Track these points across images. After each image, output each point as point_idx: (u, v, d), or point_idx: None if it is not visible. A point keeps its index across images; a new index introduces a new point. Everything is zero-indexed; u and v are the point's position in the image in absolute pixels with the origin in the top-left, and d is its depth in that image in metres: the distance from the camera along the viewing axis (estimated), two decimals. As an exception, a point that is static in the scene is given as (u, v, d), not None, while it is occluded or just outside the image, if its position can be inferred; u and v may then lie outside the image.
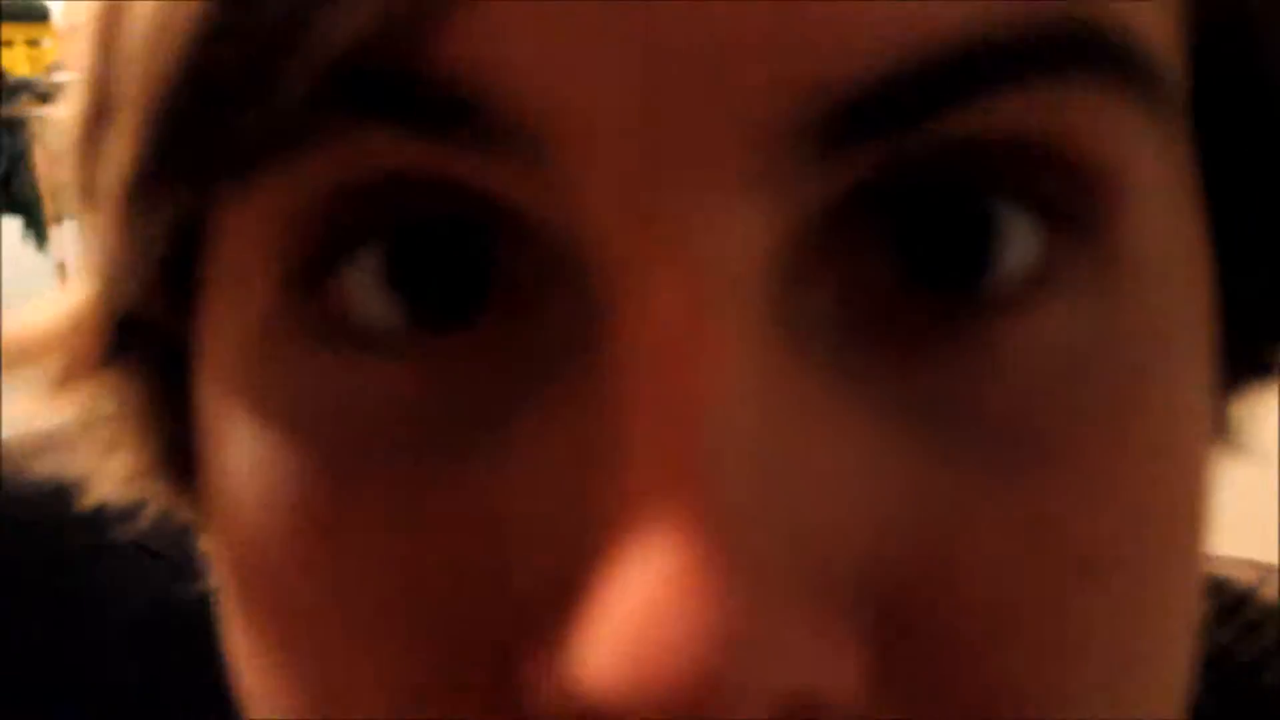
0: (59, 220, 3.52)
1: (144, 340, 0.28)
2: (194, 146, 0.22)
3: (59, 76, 0.27)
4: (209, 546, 0.26)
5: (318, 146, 0.21)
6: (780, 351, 0.21)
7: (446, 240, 0.22)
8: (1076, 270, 0.22)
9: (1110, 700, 0.22)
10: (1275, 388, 0.29)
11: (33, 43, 3.89)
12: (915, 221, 0.21)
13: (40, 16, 3.89)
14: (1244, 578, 0.42)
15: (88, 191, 0.25)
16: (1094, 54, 0.21)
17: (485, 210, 0.21)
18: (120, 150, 0.23)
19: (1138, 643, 0.22)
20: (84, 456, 0.31)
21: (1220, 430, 0.28)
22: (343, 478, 0.22)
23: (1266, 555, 0.45)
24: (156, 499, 0.31)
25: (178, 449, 0.29)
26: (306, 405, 0.23)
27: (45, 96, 0.29)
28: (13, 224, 3.76)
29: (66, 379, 0.29)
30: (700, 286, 0.20)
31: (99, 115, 0.24)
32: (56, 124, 0.26)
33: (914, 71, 0.20)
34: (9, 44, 3.81)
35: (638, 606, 0.19)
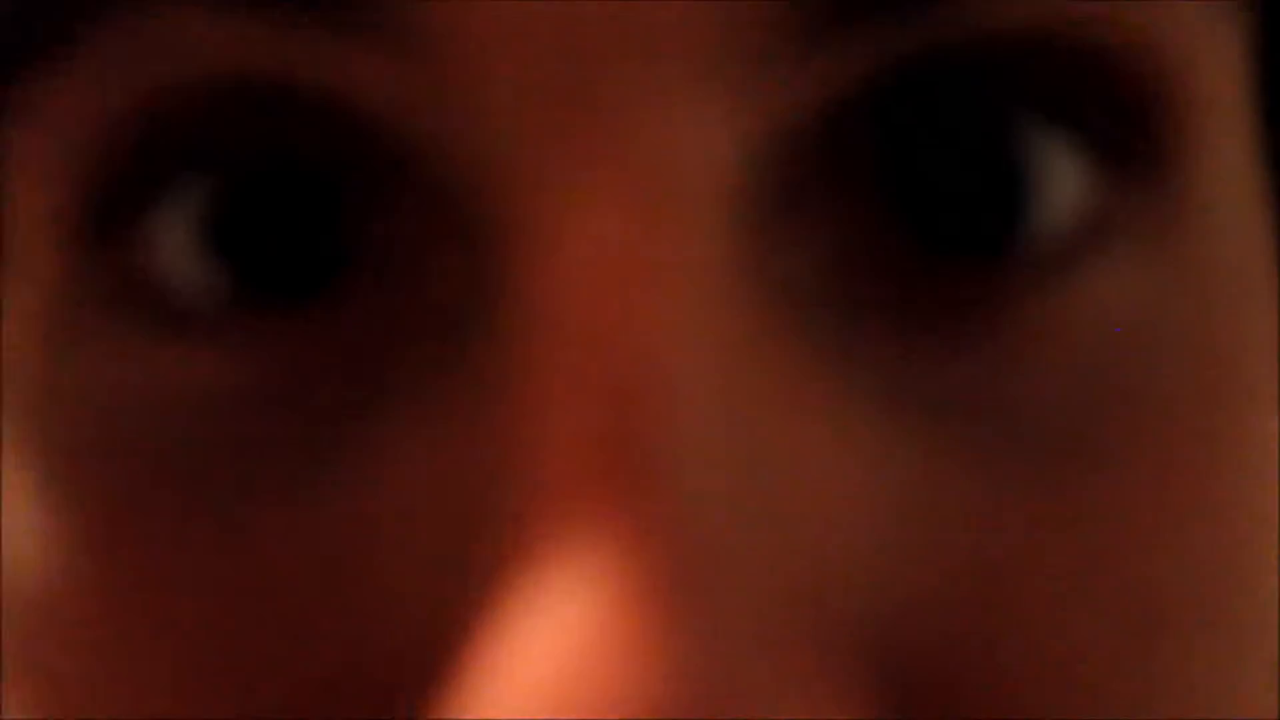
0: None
1: None
2: None
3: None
4: None
5: (116, 28, 0.16)
6: (753, 311, 0.16)
7: (288, 184, 0.17)
8: (1134, 219, 0.17)
9: None
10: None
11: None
12: (928, 159, 0.17)
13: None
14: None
15: None
16: None
17: (344, 132, 0.16)
18: None
19: (1219, 706, 0.17)
20: None
21: None
22: (151, 506, 0.17)
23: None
24: None
25: None
26: (103, 409, 0.17)
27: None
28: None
29: None
30: (644, 215, 0.15)
31: None
32: None
33: None
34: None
35: (552, 658, 0.14)
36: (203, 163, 0.17)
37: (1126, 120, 0.17)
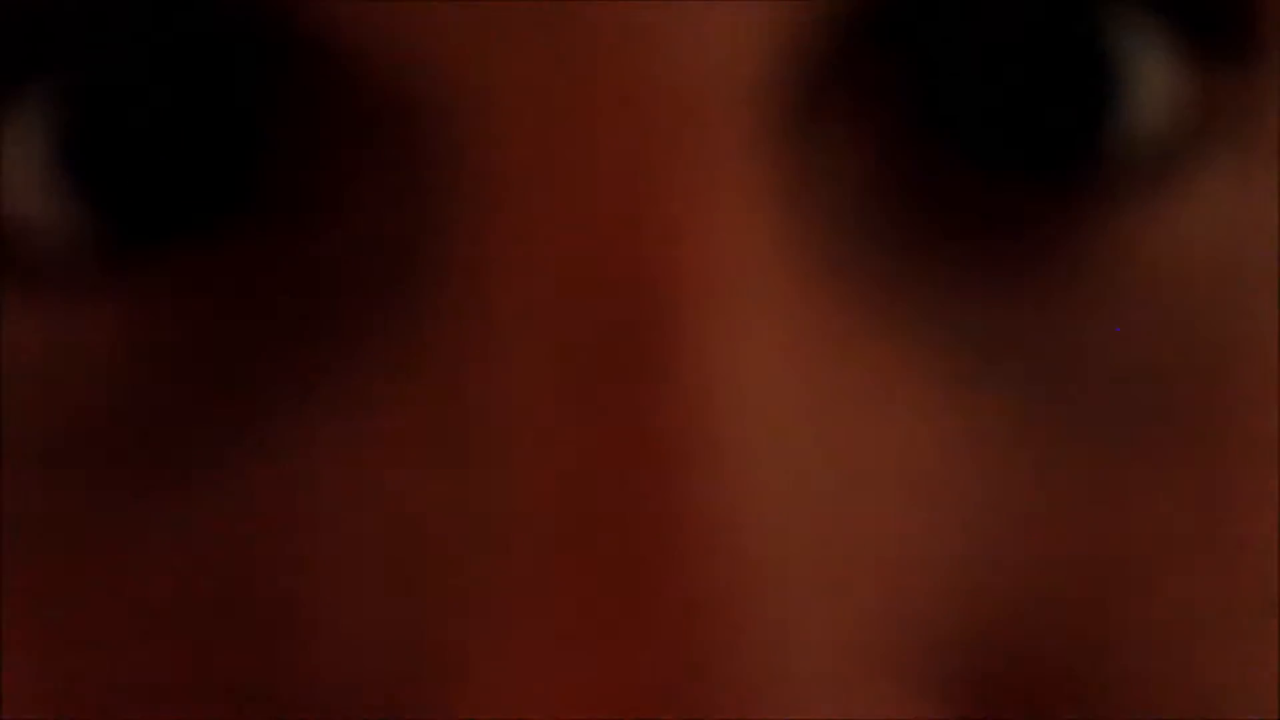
0: None
1: None
2: None
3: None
4: None
5: None
6: (796, 251, 0.13)
7: (158, 94, 0.13)
8: (1220, 133, 0.15)
9: None
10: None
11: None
12: (990, 56, 0.14)
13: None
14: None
15: None
16: None
17: (236, 24, 0.13)
18: None
19: None
20: None
21: None
22: (20, 495, 0.14)
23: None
24: None
25: None
26: None
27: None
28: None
29: None
30: (653, 125, 0.12)
31: None
32: None
33: None
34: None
35: (578, 674, 0.12)
36: (47, 64, 0.13)
37: (1223, 11, 0.14)
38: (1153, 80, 0.14)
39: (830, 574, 0.12)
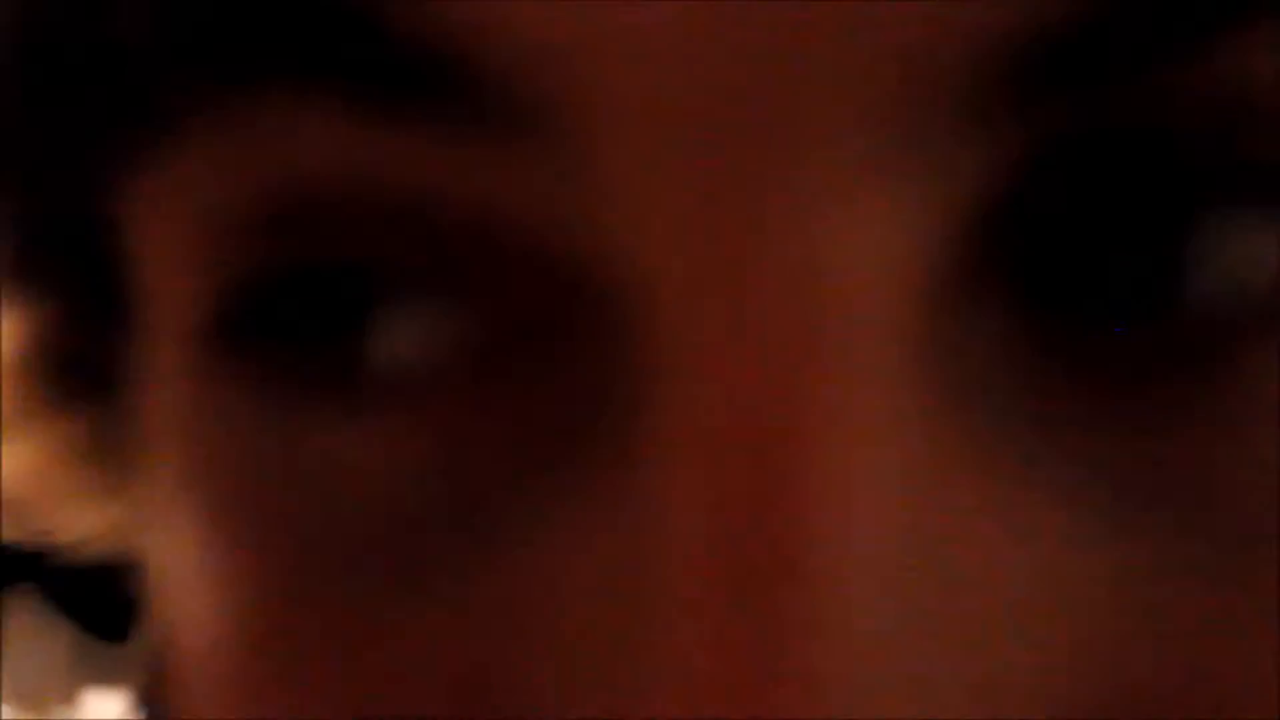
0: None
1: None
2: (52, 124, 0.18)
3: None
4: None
5: (228, 121, 0.16)
6: (937, 432, 0.15)
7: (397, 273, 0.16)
8: None
9: None
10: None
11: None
12: (1092, 234, 0.15)
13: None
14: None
15: None
16: None
17: (465, 231, 0.16)
18: None
19: None
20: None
21: None
22: (325, 584, 0.17)
23: None
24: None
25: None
26: (281, 484, 0.17)
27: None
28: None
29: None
30: (809, 331, 0.14)
31: None
32: None
33: None
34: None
35: None
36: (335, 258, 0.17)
37: None
38: (1239, 247, 0.15)
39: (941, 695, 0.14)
